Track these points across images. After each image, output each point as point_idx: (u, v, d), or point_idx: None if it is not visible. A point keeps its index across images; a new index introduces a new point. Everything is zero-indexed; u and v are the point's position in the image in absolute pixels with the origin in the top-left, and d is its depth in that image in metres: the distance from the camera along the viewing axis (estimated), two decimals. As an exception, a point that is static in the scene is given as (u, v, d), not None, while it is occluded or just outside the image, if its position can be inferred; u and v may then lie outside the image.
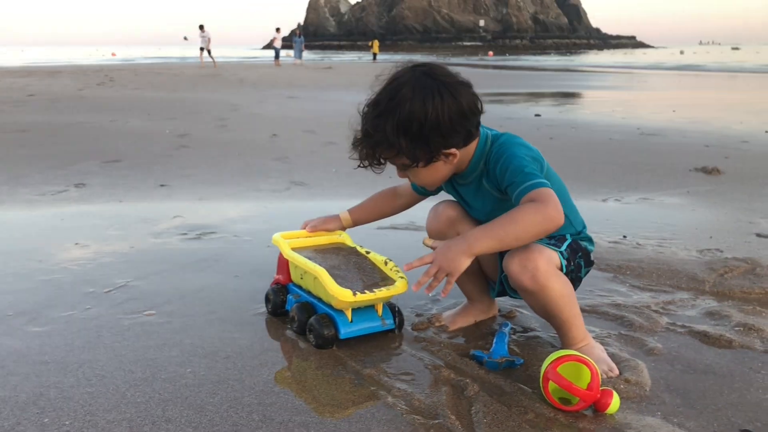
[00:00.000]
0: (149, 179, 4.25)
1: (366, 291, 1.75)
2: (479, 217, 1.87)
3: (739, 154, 5.49)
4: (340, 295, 1.72)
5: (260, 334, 1.92)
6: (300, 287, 1.98)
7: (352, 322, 1.80)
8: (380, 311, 1.85)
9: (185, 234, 2.96)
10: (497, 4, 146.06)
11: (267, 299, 2.06)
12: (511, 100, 12.24)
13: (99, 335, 1.89)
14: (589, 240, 1.89)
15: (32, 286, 2.30)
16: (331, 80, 18.30)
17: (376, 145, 1.68)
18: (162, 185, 4.07)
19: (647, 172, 4.64)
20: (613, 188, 4.12)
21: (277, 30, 30.82)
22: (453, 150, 1.68)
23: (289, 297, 2.00)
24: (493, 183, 1.74)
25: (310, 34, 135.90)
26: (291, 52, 28.68)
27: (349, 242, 2.09)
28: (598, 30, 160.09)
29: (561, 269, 1.71)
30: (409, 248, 2.79)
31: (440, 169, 1.74)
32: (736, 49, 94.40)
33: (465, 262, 1.58)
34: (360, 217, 2.11)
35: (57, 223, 3.16)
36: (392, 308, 1.89)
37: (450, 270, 1.57)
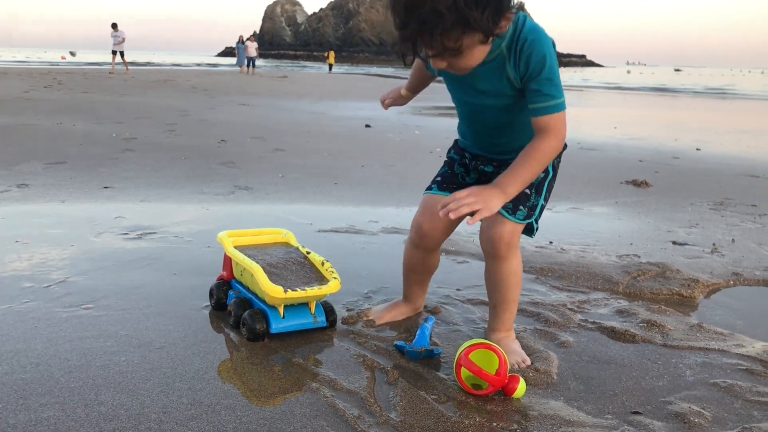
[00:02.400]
0: (93, 181, 4.26)
1: (297, 289, 1.85)
2: (481, 107, 1.81)
3: (669, 168, 5.78)
4: (272, 291, 1.82)
5: (195, 327, 2.00)
6: (241, 283, 2.07)
7: (284, 318, 1.90)
8: (313, 309, 1.95)
9: (126, 234, 3.00)
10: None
11: (211, 294, 2.14)
12: (460, 113, 12.49)
13: (35, 327, 1.94)
14: None
15: (-31, 280, 2.32)
16: (286, 89, 18.32)
17: (451, 25, 1.47)
18: (106, 187, 4.08)
19: (581, 184, 4.86)
20: (547, 198, 4.31)
21: (250, 38, 30.38)
22: (509, 14, 1.58)
23: (231, 293, 2.09)
24: (517, 71, 1.66)
25: (266, 43, 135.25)
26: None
27: (293, 242, 2.18)
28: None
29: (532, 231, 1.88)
30: (346, 248, 2.90)
31: (482, 51, 1.62)
32: (678, 70, 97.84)
33: (499, 204, 1.64)
34: (412, 86, 2.17)
35: (-3, 221, 3.16)
36: (325, 306, 1.99)
37: (485, 207, 1.60)
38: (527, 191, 1.83)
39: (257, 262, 1.94)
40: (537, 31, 1.65)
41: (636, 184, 4.85)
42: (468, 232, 3.29)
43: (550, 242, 3.15)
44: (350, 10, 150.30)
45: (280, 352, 1.85)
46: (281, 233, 2.23)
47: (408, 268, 2.12)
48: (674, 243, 3.25)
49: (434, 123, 9.90)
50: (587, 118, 12.40)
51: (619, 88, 31.80)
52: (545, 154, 1.69)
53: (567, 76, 58.03)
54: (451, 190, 1.82)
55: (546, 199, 1.91)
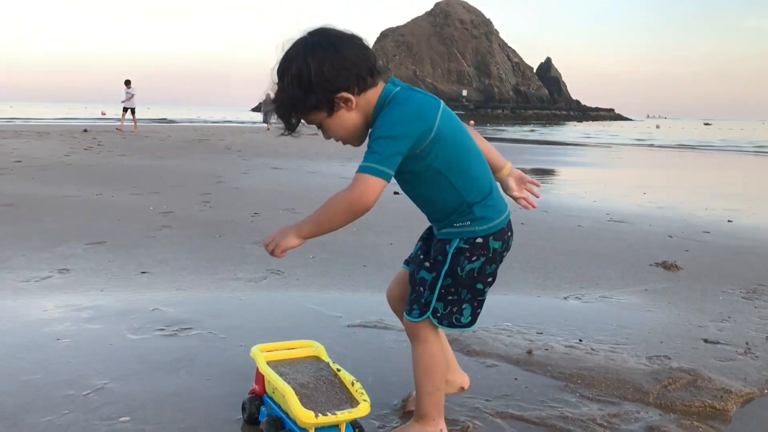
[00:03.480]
0: (130, 264, 4.39)
1: (328, 413, 1.90)
2: (398, 178, 1.99)
3: (699, 246, 5.74)
4: (304, 416, 1.87)
5: (228, 446, 2.05)
6: (272, 400, 2.12)
7: (314, 440, 1.94)
8: (343, 429, 1.99)
9: (162, 330, 3.09)
10: (480, 75, 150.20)
11: (243, 408, 2.20)
12: (489, 176, 12.59)
13: (75, 444, 2.01)
14: (482, 220, 1.95)
15: (13, 387, 2.41)
16: (316, 148, 18.65)
17: (281, 107, 1.90)
18: (143, 272, 4.20)
19: (610, 266, 4.86)
20: (576, 284, 4.32)
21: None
22: (344, 94, 1.85)
23: (263, 408, 2.14)
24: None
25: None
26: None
27: (324, 356, 2.24)
28: (577, 102, 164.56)
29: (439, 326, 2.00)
30: (376, 349, 2.94)
31: (347, 118, 1.90)
32: (708, 124, 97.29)
33: (294, 243, 1.92)
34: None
35: (40, 315, 3.27)
36: (354, 426, 2.03)
37: (282, 247, 1.92)
38: (421, 289, 1.99)
39: (289, 383, 1.99)
40: (399, 100, 1.87)
41: (666, 266, 4.83)
42: (497, 327, 3.32)
43: (580, 340, 3.15)
44: (380, 67, 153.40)
45: (311, 475, 1.88)
46: (312, 346, 2.29)
47: None
48: (705, 341, 3.23)
49: (463, 189, 9.99)
50: (616, 181, 12.41)
51: (649, 144, 31.76)
52: (338, 200, 1.85)
53: (595, 130, 58.20)
54: (412, 263, 2.12)
55: (454, 301, 1.98)
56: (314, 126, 1.97)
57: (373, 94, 1.90)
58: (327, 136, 1.98)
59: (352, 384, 2.06)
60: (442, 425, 2.09)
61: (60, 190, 7.90)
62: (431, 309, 1.98)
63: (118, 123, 25.11)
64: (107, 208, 6.69)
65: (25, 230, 5.42)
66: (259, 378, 2.19)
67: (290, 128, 1.96)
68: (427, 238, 2.14)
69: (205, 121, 45.83)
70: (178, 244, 5.09)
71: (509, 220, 2.04)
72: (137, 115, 24.31)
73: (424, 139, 1.85)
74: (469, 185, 1.95)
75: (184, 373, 2.59)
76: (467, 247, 1.95)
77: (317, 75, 1.83)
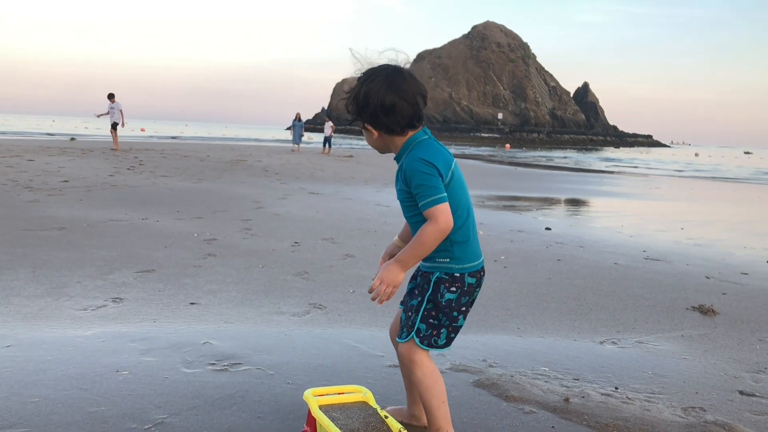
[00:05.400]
0: (179, 294, 4.59)
1: (377, 461, 2.02)
2: (401, 204, 2.39)
3: (737, 289, 5.74)
4: (355, 462, 2.00)
5: (281, 486, 2.18)
6: (324, 444, 2.26)
7: (363, 485, 2.07)
8: (390, 475, 2.12)
9: (213, 364, 3.25)
10: (516, 99, 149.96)
11: None
12: (523, 206, 12.65)
13: (141, 479, 2.17)
14: (459, 259, 2.32)
15: (81, 418, 2.58)
16: (351, 172, 18.94)
17: (349, 106, 2.36)
18: (192, 303, 4.39)
19: (646, 309, 4.90)
20: (612, 328, 4.38)
21: (327, 118, 31.85)
22: (368, 126, 2.32)
23: (315, 451, 2.28)
24: (402, 177, 2.29)
25: (334, 118, 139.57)
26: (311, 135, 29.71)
27: (372, 402, 2.37)
28: (615, 127, 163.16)
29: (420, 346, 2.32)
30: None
31: (378, 140, 2.36)
32: (749, 153, 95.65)
33: (402, 276, 2.25)
34: (404, 234, 2.58)
35: (98, 345, 3.47)
36: (400, 472, 2.15)
37: (395, 284, 2.25)
38: (410, 314, 2.35)
39: (341, 428, 2.12)
40: (414, 150, 2.28)
41: (702, 311, 4.86)
42: (534, 372, 3.41)
43: (616, 388, 3.22)
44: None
45: None
46: (361, 392, 2.42)
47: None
48: (741, 393, 3.28)
49: (498, 219, 10.07)
50: (653, 215, 12.35)
51: (687, 175, 31.40)
52: (427, 236, 2.19)
53: (631, 156, 57.72)
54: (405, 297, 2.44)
55: (434, 325, 2.31)
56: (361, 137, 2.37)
57: (400, 139, 2.34)
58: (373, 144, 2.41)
59: (400, 431, 2.18)
60: None
61: (107, 214, 8.21)
62: (415, 329, 2.32)
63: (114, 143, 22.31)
64: (153, 234, 6.95)
65: (78, 256, 5.68)
66: (311, 420, 2.33)
67: (354, 122, 2.38)
68: (414, 277, 2.47)
69: (242, 140, 46.63)
70: (223, 274, 5.29)
71: (483, 266, 2.40)
72: (119, 132, 22.38)
73: (444, 173, 2.26)
74: (457, 225, 2.29)
75: (237, 410, 2.74)
76: (446, 278, 2.32)
77: (364, 106, 2.29)
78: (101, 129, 49.92)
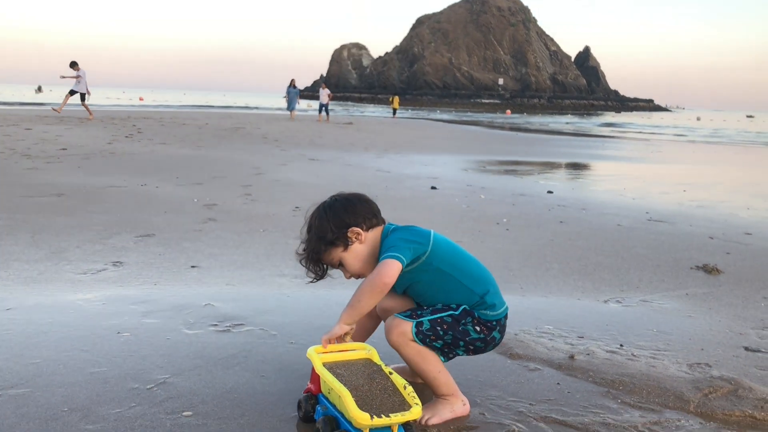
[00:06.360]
0: (180, 258, 4.55)
1: (383, 415, 2.00)
2: (397, 290, 2.43)
3: (741, 249, 5.71)
4: (360, 417, 1.97)
5: (286, 442, 2.16)
6: (328, 399, 2.23)
7: (368, 440, 2.05)
8: (395, 431, 2.09)
9: (216, 325, 3.23)
10: (517, 64, 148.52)
11: (299, 406, 2.32)
12: (525, 170, 12.57)
13: (145, 437, 2.15)
14: (492, 306, 2.38)
15: (82, 379, 2.56)
16: (351, 138, 18.82)
17: (310, 250, 2.43)
18: (193, 266, 4.36)
19: (650, 268, 4.87)
20: (616, 287, 4.36)
21: (323, 85, 31.44)
22: (354, 228, 2.38)
23: (318, 407, 2.26)
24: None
25: (332, 86, 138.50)
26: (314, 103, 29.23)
27: (376, 359, 2.34)
28: (616, 92, 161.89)
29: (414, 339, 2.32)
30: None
31: (360, 251, 2.41)
32: (751, 117, 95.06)
33: (339, 330, 2.32)
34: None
35: (99, 308, 3.44)
36: (407, 428, 2.13)
37: (330, 336, 2.32)
38: (425, 307, 2.39)
39: (345, 385, 2.09)
40: (393, 232, 2.41)
41: (707, 270, 4.83)
42: (539, 330, 3.39)
43: (621, 345, 3.20)
44: (415, 54, 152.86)
45: (364, 473, 1.99)
46: (365, 349, 2.39)
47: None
48: (746, 349, 3.26)
49: (499, 183, 10.01)
50: (655, 177, 12.28)
51: (690, 140, 31.24)
52: (363, 287, 2.26)
53: (633, 119, 57.34)
54: None
55: (438, 333, 2.33)
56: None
57: (376, 233, 2.43)
58: (347, 274, 2.46)
59: (405, 387, 2.16)
60: (463, 397, 2.41)
61: (106, 180, 8.15)
62: (421, 320, 2.32)
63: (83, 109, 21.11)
64: (153, 200, 6.90)
65: (77, 221, 5.63)
66: (315, 378, 2.31)
67: (318, 274, 2.49)
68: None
69: (240, 108, 46.32)
70: (224, 238, 5.25)
71: (507, 314, 2.44)
72: (88, 101, 20.90)
73: (425, 245, 2.34)
74: (474, 280, 2.39)
75: (240, 369, 2.72)
76: (477, 321, 2.36)
77: (335, 217, 2.40)
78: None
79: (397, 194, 8.14)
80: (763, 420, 2.51)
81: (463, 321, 2.34)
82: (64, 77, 20.53)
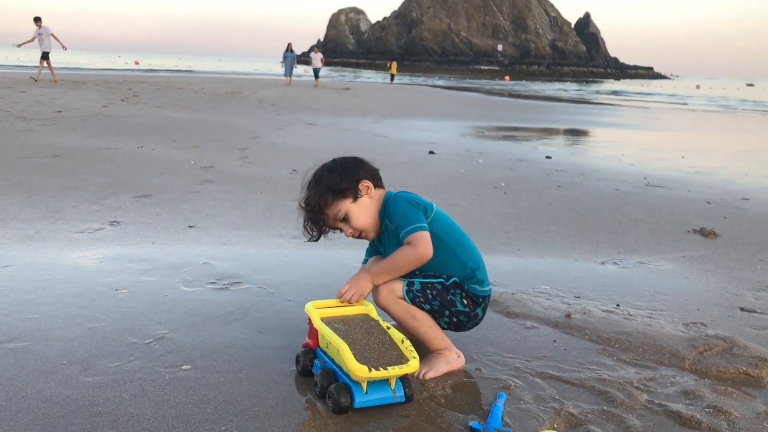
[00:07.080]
0: (177, 219, 4.54)
1: (380, 368, 2.01)
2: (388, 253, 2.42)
3: (738, 213, 5.72)
4: (358, 370, 1.98)
5: (284, 395, 2.18)
6: (326, 354, 2.24)
7: (366, 393, 2.06)
8: (393, 385, 2.11)
9: (214, 283, 3.23)
10: (516, 30, 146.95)
11: (297, 360, 2.33)
12: (523, 136, 12.52)
13: (143, 389, 2.16)
14: (480, 282, 2.42)
15: (81, 334, 2.57)
16: (348, 103, 18.68)
17: (319, 207, 2.39)
18: (190, 226, 4.35)
19: (648, 231, 4.88)
20: (613, 249, 4.36)
21: (315, 48, 30.99)
22: (366, 181, 2.41)
23: (316, 362, 2.27)
24: (387, 216, 2.40)
25: (330, 51, 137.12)
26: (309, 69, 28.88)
27: (374, 314, 2.35)
28: (615, 59, 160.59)
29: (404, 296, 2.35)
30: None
31: (369, 205, 2.42)
32: (751, 85, 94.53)
33: (369, 288, 2.33)
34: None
35: (96, 265, 3.44)
36: (404, 381, 2.14)
37: (361, 293, 2.33)
38: (417, 272, 2.37)
39: (343, 339, 2.10)
40: (394, 196, 2.43)
41: (704, 233, 4.84)
42: (536, 290, 3.40)
43: (617, 305, 3.22)
44: (413, 19, 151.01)
45: (362, 424, 2.01)
46: (363, 305, 2.39)
47: None
48: (742, 309, 3.28)
49: (497, 149, 9.97)
50: (654, 144, 12.25)
51: (689, 107, 31.08)
52: (403, 255, 2.28)
53: (633, 87, 57.05)
54: None
55: (427, 297, 2.36)
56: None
57: (381, 193, 2.46)
58: (350, 230, 2.43)
59: (402, 342, 2.17)
60: (456, 349, 2.44)
61: (102, 142, 8.09)
62: (412, 280, 2.36)
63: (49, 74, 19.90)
64: (149, 162, 6.86)
65: (74, 182, 5.61)
66: (313, 332, 2.31)
67: (318, 232, 2.48)
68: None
69: (237, 73, 45.89)
70: (221, 199, 5.23)
71: (490, 295, 2.49)
72: (53, 62, 19.96)
73: (430, 210, 2.39)
74: (467, 254, 2.42)
75: (238, 326, 2.73)
76: (465, 294, 2.39)
77: (346, 170, 2.42)
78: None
79: (396, 159, 8.10)
80: (757, 377, 2.53)
81: (452, 291, 2.38)
82: (21, 45, 19.39)
